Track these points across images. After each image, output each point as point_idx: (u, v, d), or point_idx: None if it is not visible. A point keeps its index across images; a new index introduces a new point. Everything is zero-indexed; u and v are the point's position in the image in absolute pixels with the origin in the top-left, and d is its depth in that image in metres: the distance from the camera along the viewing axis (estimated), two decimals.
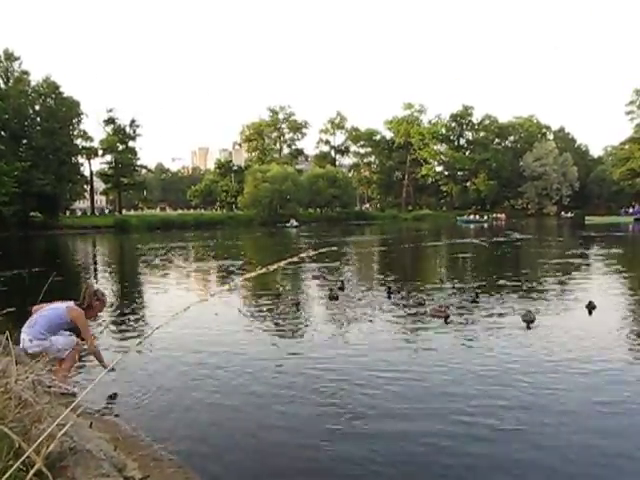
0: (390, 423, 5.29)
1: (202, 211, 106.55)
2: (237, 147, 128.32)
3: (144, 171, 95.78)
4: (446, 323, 9.76)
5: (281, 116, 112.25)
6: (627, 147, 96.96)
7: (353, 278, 17.84)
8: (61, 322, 6.01)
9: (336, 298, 12.85)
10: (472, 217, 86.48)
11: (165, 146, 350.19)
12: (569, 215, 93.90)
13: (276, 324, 10.24)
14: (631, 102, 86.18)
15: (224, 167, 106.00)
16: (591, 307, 10.92)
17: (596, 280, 16.24)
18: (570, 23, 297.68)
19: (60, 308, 6.09)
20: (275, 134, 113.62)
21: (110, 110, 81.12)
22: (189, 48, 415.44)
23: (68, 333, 6.06)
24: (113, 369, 6.35)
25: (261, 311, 11.58)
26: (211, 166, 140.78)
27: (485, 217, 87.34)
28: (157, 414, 5.62)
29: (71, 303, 6.18)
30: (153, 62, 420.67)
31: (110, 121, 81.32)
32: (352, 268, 21.34)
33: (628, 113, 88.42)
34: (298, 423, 5.39)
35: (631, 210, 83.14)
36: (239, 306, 12.48)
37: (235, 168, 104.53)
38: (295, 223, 72.34)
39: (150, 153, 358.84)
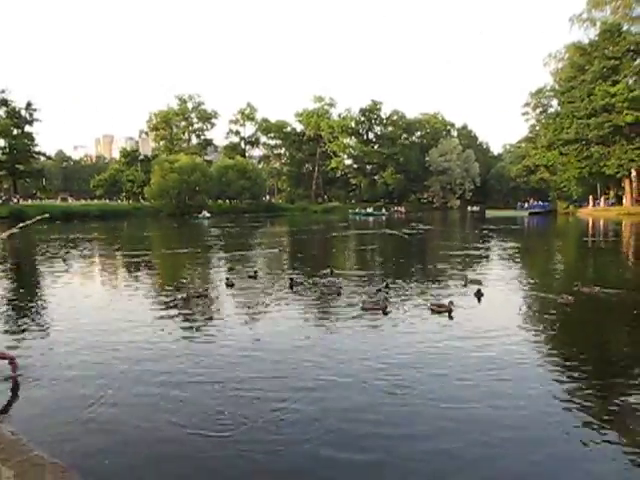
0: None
1: (107, 201, 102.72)
2: (144, 136, 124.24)
3: (43, 158, 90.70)
4: (385, 314, 10.47)
5: (190, 105, 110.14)
6: (523, 146, 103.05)
7: (265, 268, 18.42)
8: None
9: (232, 285, 13.79)
10: (369, 210, 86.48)
11: (67, 133, 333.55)
12: (475, 209, 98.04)
13: (170, 314, 10.43)
14: (526, 104, 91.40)
15: (130, 156, 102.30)
16: (479, 295, 12.19)
17: (489, 269, 17.60)
18: (473, 28, 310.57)
19: None
20: (184, 123, 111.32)
21: (2, 91, 75.57)
22: (93, 29, 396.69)
23: None
24: None
25: (157, 303, 11.78)
26: (116, 155, 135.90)
27: (383, 210, 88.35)
28: (40, 417, 5.57)
29: None
30: (52, 42, 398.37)
31: (3, 103, 75.95)
32: (264, 259, 21.80)
33: (524, 114, 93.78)
34: (187, 422, 5.56)
35: (526, 205, 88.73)
36: (138, 298, 12.56)
37: (142, 157, 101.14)
38: (207, 214, 71.50)
39: (50, 140, 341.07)
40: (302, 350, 8.11)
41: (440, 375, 6.94)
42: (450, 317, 10.16)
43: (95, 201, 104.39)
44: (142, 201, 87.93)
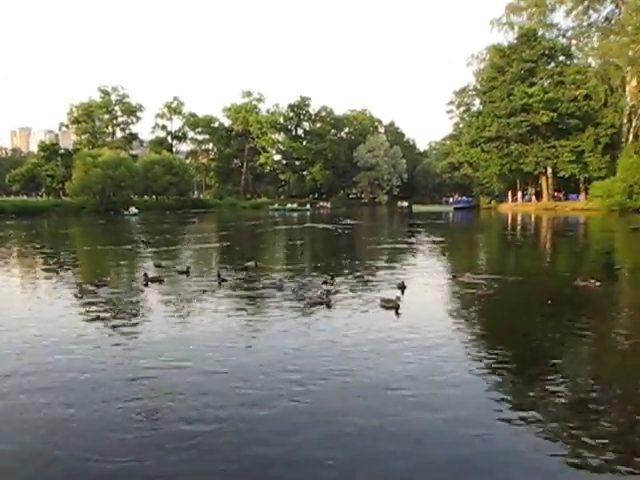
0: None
1: (25, 197, 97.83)
2: (64, 129, 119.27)
3: None
4: (328, 307, 10.69)
5: (114, 97, 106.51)
6: (448, 143, 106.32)
7: (195, 264, 18.30)
8: None
9: (161, 282, 13.74)
10: (294, 205, 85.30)
11: None
12: (405, 204, 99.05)
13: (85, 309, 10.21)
14: (451, 102, 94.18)
15: (49, 150, 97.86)
16: (402, 287, 12.61)
17: (413, 262, 18.13)
18: (400, 26, 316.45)
19: None
20: (107, 116, 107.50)
21: None
22: (7, 12, 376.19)
23: None
24: None
25: (77, 304, 11.46)
26: (34, 148, 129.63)
27: (307, 206, 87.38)
28: None
29: None
30: None
31: None
32: (194, 255, 21.56)
33: (448, 112, 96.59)
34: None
35: (451, 200, 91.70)
36: (53, 298, 12.18)
37: (62, 151, 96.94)
38: (135, 210, 69.59)
39: None
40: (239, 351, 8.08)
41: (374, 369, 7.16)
42: (397, 313, 10.28)
43: (11, 197, 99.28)
44: (63, 197, 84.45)
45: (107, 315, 10.42)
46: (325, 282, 13.38)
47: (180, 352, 7.85)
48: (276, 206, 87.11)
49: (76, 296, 12.16)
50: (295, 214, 69.86)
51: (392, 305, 10.55)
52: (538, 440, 5.19)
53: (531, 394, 6.31)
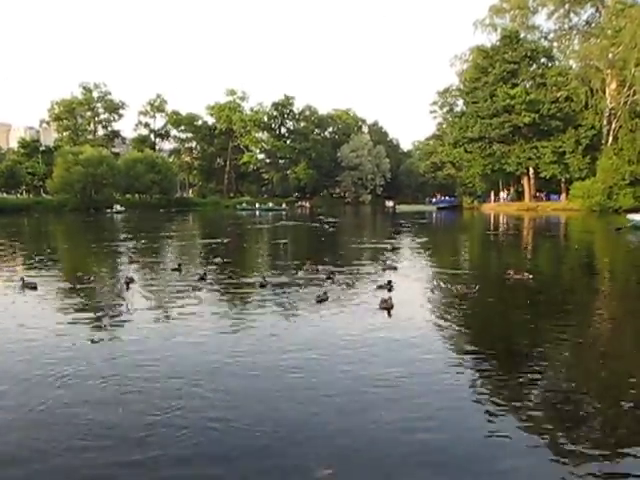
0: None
1: (4, 195, 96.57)
2: (45, 126, 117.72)
3: None
4: (318, 303, 10.85)
5: (95, 94, 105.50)
6: (431, 143, 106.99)
7: (189, 262, 18.36)
8: None
9: (132, 281, 13.32)
10: (270, 205, 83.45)
11: None
12: (391, 204, 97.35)
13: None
14: (434, 103, 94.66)
15: (30, 147, 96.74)
16: (389, 286, 12.63)
17: (399, 262, 18.27)
18: (385, 25, 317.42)
19: None
20: (89, 113, 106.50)
21: None
22: None
23: None
24: None
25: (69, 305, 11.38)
26: (14, 145, 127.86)
27: (283, 205, 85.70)
28: None
29: None
30: None
31: None
32: (189, 252, 21.51)
33: (432, 112, 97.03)
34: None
35: (434, 200, 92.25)
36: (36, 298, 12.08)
37: (43, 148, 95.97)
38: (120, 208, 69.06)
39: None
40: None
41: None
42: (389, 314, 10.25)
43: None
44: (44, 195, 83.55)
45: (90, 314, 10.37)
46: (329, 277, 13.82)
47: (165, 351, 7.85)
48: (244, 205, 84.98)
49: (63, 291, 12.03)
50: (270, 214, 68.92)
51: (387, 305, 10.60)
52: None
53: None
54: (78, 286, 13.03)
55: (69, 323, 9.58)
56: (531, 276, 13.82)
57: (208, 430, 5.27)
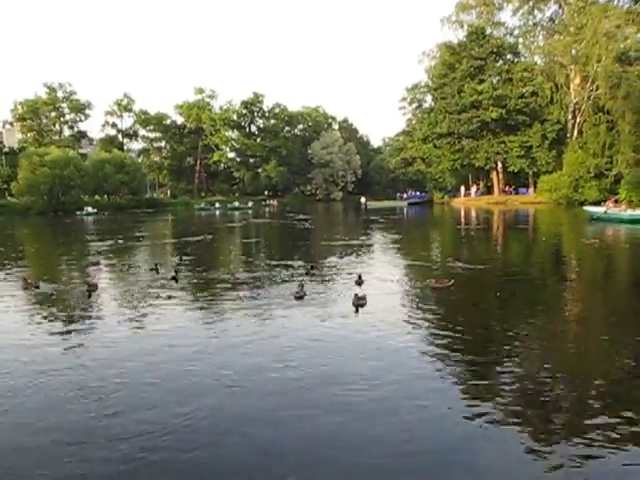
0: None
1: None
2: (8, 126, 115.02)
3: None
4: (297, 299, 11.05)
5: (60, 94, 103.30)
6: (401, 139, 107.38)
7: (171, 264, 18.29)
8: None
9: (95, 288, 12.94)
10: (235, 204, 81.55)
11: None
12: (363, 200, 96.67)
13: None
14: (403, 99, 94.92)
15: None
16: (360, 281, 12.87)
17: (369, 257, 18.39)
18: (354, 23, 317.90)
19: None
20: (54, 114, 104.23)
21: None
22: None
23: None
24: None
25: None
26: None
27: (249, 203, 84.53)
28: None
29: None
30: None
31: None
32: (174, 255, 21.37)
33: (401, 109, 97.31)
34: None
35: (405, 195, 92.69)
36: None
37: (6, 150, 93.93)
38: (91, 210, 67.84)
39: None
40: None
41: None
42: (357, 311, 10.31)
43: None
44: (9, 198, 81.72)
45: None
46: (307, 272, 14.08)
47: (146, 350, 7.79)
48: (202, 205, 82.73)
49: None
50: (237, 212, 68.36)
51: (362, 302, 10.61)
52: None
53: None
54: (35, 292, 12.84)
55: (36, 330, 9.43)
56: (452, 281, 12.75)
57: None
